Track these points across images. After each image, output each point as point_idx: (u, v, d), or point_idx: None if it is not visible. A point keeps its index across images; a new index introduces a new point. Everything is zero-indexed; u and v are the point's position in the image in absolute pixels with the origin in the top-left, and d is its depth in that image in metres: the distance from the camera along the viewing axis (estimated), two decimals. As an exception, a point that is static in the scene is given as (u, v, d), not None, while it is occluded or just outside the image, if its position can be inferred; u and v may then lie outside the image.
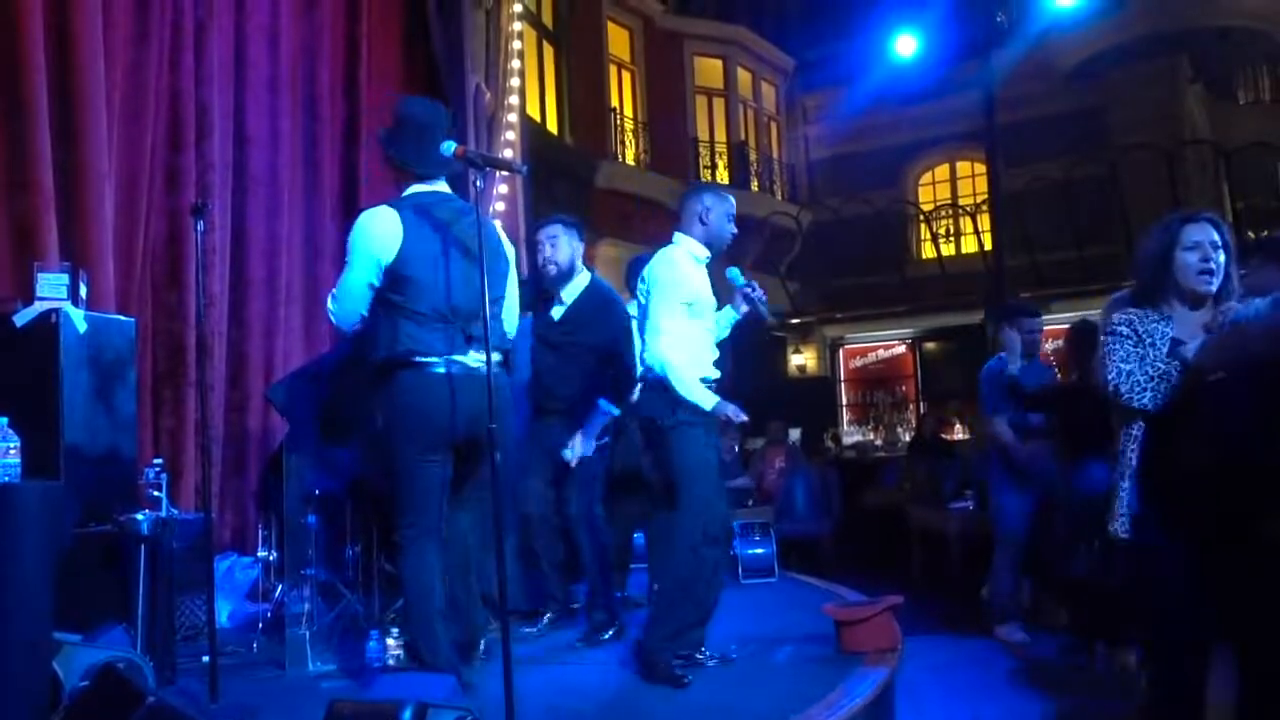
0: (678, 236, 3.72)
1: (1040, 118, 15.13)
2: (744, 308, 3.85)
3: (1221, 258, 2.71)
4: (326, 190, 6.39)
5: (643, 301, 3.72)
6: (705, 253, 3.70)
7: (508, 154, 7.53)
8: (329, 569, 4.07)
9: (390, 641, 3.79)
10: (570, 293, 4.41)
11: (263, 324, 5.81)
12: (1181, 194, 13.80)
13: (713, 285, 3.75)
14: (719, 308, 3.83)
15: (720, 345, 3.80)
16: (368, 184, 6.66)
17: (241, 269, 5.71)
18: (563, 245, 4.36)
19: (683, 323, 3.58)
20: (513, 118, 7.95)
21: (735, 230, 3.76)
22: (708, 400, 3.47)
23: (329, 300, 3.30)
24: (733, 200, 3.80)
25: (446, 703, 2.42)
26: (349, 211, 6.54)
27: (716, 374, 3.70)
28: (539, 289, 4.50)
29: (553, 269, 4.36)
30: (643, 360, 3.67)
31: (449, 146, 3.02)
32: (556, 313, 4.43)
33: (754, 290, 3.80)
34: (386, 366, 3.16)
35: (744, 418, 3.48)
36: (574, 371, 4.32)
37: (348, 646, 3.94)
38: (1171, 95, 15.40)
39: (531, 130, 10.18)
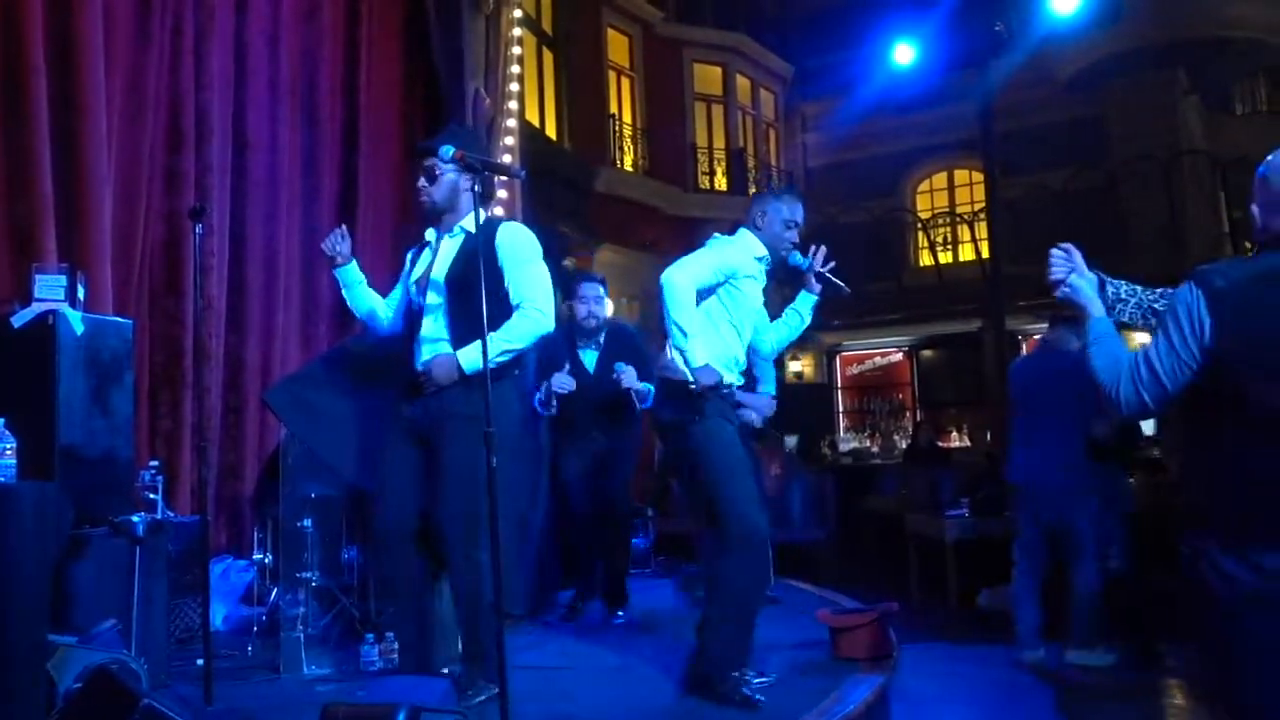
0: (741, 230, 3.64)
1: (1038, 127, 15.17)
2: (818, 286, 3.72)
3: None
4: (325, 195, 6.39)
5: None
6: (763, 251, 3.60)
7: (506, 159, 7.53)
8: (325, 573, 4.06)
9: (385, 646, 3.82)
10: (600, 340, 4.99)
11: (260, 327, 5.81)
12: (1178, 205, 13.85)
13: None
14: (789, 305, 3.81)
15: (776, 363, 3.82)
16: (366, 189, 6.67)
17: (239, 273, 5.71)
18: (606, 303, 5.03)
19: (711, 304, 3.46)
20: (512, 123, 7.96)
21: (795, 237, 3.62)
22: (696, 354, 3.27)
23: (542, 309, 3.25)
24: (796, 205, 3.64)
25: (441, 707, 2.42)
26: (347, 216, 6.56)
27: (738, 380, 3.61)
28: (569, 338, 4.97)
29: (594, 322, 4.94)
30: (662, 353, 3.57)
31: (448, 151, 3.02)
32: (590, 359, 4.95)
33: (824, 265, 3.65)
34: (504, 375, 3.25)
35: (725, 382, 3.40)
36: (607, 405, 4.85)
37: (343, 651, 3.94)
38: (1168, 106, 15.43)
39: (530, 136, 10.20)
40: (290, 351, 6.02)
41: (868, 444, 16.67)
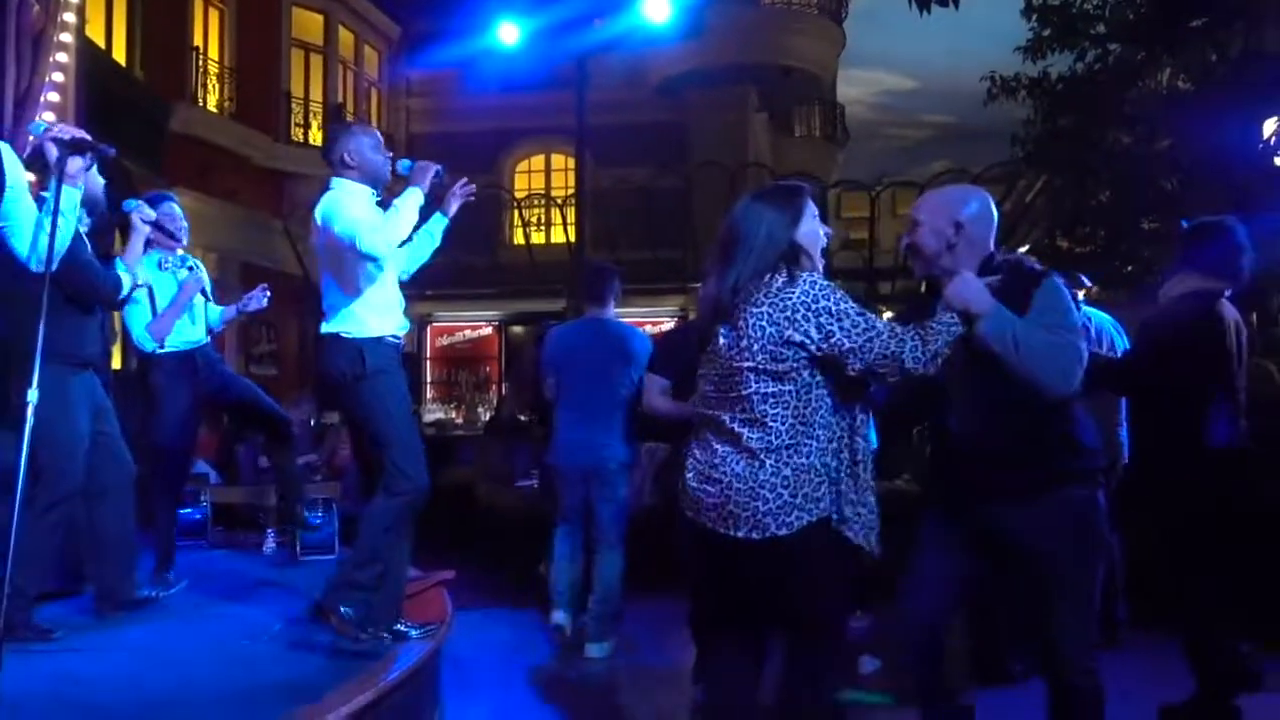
0: (334, 182, 3.52)
1: (630, 125, 16.19)
2: (453, 207, 3.87)
3: None
4: None
5: (329, 241, 3.44)
6: (369, 189, 3.54)
7: (59, 78, 6.62)
8: None
9: None
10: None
11: None
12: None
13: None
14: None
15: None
16: None
17: None
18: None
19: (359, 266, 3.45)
20: (67, 38, 6.98)
21: (389, 157, 3.60)
22: (415, 198, 3.43)
23: None
24: (376, 132, 3.69)
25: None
26: None
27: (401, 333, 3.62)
28: None
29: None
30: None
31: (39, 127, 2.77)
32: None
33: (436, 173, 3.61)
34: None
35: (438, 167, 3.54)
36: None
37: None
38: (740, 121, 17.17)
39: (93, 57, 9.03)
40: None
41: (453, 415, 16.83)
